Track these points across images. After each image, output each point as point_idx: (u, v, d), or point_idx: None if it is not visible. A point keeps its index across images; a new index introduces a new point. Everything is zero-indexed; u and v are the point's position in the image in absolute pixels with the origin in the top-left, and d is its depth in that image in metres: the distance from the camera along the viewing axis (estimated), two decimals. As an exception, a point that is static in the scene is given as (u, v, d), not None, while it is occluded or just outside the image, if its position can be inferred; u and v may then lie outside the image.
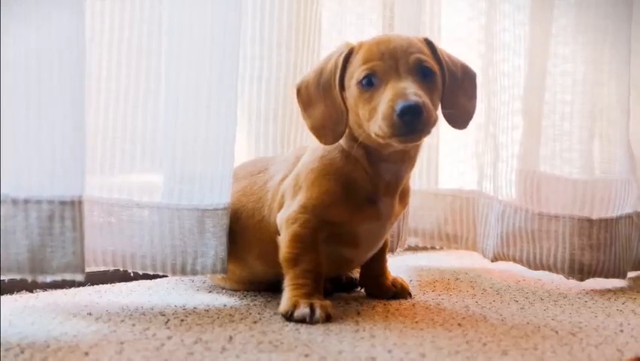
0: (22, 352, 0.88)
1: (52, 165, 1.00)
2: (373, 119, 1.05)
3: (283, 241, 1.13)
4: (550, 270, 1.44)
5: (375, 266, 1.26)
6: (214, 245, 1.17)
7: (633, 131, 1.55)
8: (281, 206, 1.16)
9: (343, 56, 1.11)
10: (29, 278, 0.99)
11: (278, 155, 1.35)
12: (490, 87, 1.53)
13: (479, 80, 1.56)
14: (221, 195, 1.17)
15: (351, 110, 1.10)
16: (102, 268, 1.24)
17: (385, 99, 1.03)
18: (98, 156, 1.17)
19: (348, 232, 1.14)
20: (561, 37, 1.46)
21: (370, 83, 1.07)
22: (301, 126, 1.43)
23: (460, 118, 1.16)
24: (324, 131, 1.12)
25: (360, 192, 1.13)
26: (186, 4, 1.15)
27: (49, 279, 1.00)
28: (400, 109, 1.01)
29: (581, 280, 1.42)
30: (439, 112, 1.12)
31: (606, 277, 1.43)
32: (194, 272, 1.17)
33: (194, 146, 1.16)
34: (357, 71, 1.08)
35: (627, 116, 1.48)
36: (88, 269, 1.24)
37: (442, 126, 1.61)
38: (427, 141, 1.59)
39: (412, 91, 1.03)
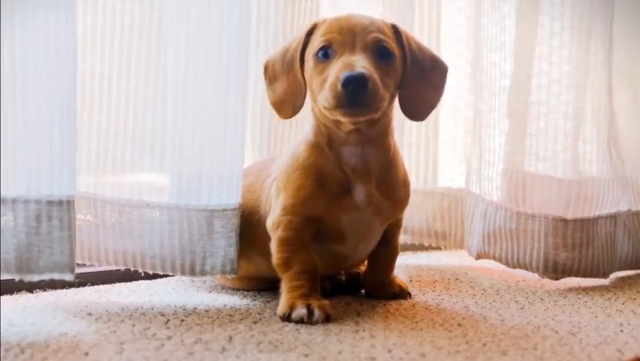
0: (22, 352, 0.88)
1: (41, 165, 1.00)
2: (322, 91, 1.06)
3: (272, 247, 1.13)
4: (526, 269, 1.45)
5: (380, 270, 1.26)
6: (223, 246, 1.17)
7: (622, 132, 1.55)
8: (270, 208, 1.17)
9: (306, 31, 1.13)
10: (16, 277, 0.99)
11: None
12: (479, 88, 1.53)
13: (468, 84, 1.58)
14: (230, 196, 1.17)
15: (309, 86, 1.11)
16: (113, 268, 1.25)
17: (334, 70, 1.04)
18: (110, 155, 1.18)
19: (332, 227, 1.13)
20: (546, 39, 1.47)
21: (326, 55, 1.08)
22: (294, 127, 1.44)
23: (419, 108, 1.15)
24: (284, 105, 1.15)
25: (331, 182, 1.12)
26: (195, 4, 1.15)
27: (36, 278, 1.00)
28: (343, 78, 1.01)
29: (556, 279, 1.43)
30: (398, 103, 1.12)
31: (583, 276, 1.44)
32: (203, 273, 1.18)
33: (202, 146, 1.17)
34: (315, 43, 1.10)
35: (607, 116, 1.49)
36: (97, 268, 1.26)
37: (440, 127, 1.64)
38: (418, 141, 1.61)
39: (360, 64, 1.03)
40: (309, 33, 1.12)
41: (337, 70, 1.04)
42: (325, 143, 1.13)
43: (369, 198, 1.13)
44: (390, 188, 1.16)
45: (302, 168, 1.13)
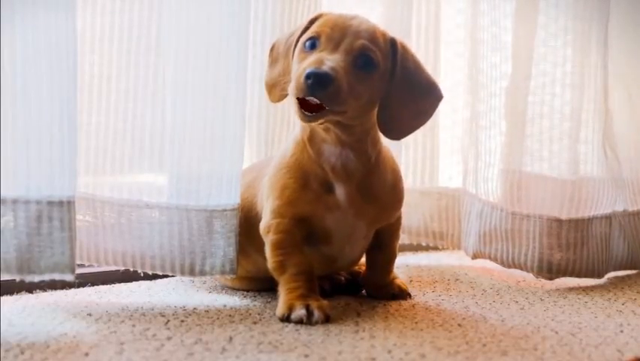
0: (22, 352, 0.88)
1: (41, 165, 1.00)
2: (292, 80, 1.05)
3: (267, 251, 1.13)
4: (521, 268, 1.45)
5: (379, 272, 1.25)
6: (222, 246, 1.17)
7: (618, 132, 1.55)
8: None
9: (310, 19, 1.12)
10: (17, 278, 0.99)
11: None
12: (476, 89, 1.53)
13: (465, 86, 1.58)
14: (229, 196, 1.18)
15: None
16: (113, 268, 1.25)
17: (306, 62, 1.04)
18: (109, 155, 1.18)
19: (318, 226, 1.13)
20: (544, 40, 1.47)
21: (312, 46, 1.07)
22: (293, 127, 1.43)
23: (396, 127, 1.13)
24: (274, 88, 1.15)
25: (313, 179, 1.12)
26: (194, 4, 1.15)
27: (37, 279, 1.00)
28: (307, 72, 1.00)
29: (550, 279, 1.43)
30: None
31: (578, 276, 1.44)
32: (202, 273, 1.18)
33: (202, 146, 1.17)
34: (307, 33, 1.09)
35: (603, 117, 1.49)
36: (97, 268, 1.26)
37: (439, 126, 1.64)
38: (416, 140, 1.62)
39: (330, 64, 1.02)
40: (312, 21, 1.12)
41: (308, 63, 1.03)
42: (308, 138, 1.13)
43: (350, 200, 1.13)
44: (375, 193, 1.15)
45: (287, 167, 1.14)
